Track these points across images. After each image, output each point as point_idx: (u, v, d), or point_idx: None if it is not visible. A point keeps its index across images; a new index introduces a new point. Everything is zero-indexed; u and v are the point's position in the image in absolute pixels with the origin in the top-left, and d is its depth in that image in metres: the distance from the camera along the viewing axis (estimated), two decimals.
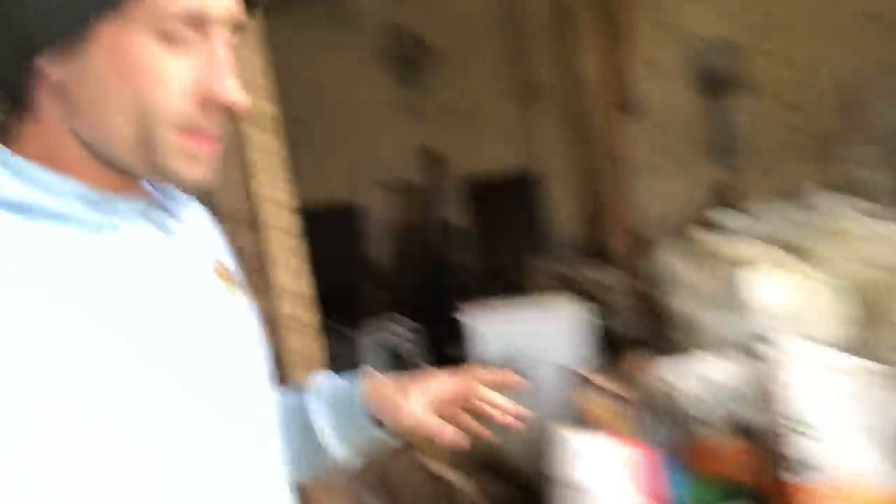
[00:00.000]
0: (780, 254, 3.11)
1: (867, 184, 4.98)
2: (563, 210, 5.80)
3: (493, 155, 5.85)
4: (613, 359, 3.06)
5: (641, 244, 4.77)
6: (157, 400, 0.61)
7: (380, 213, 5.59)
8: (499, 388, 0.90)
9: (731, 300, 2.87)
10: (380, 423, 0.87)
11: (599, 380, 2.56)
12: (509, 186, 5.79)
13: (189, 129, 0.63)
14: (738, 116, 5.44)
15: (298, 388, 0.93)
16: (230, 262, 0.79)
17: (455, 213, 6.09)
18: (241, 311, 0.76)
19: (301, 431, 0.88)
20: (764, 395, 2.08)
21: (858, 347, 2.88)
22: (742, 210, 5.03)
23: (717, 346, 2.71)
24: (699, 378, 2.35)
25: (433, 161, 6.15)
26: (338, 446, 0.87)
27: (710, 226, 5.03)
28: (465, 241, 5.96)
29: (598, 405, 2.30)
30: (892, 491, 1.89)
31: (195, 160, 0.65)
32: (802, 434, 1.98)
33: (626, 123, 5.44)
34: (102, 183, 0.65)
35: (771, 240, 4.15)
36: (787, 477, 1.97)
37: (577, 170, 5.68)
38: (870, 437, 1.96)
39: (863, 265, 3.01)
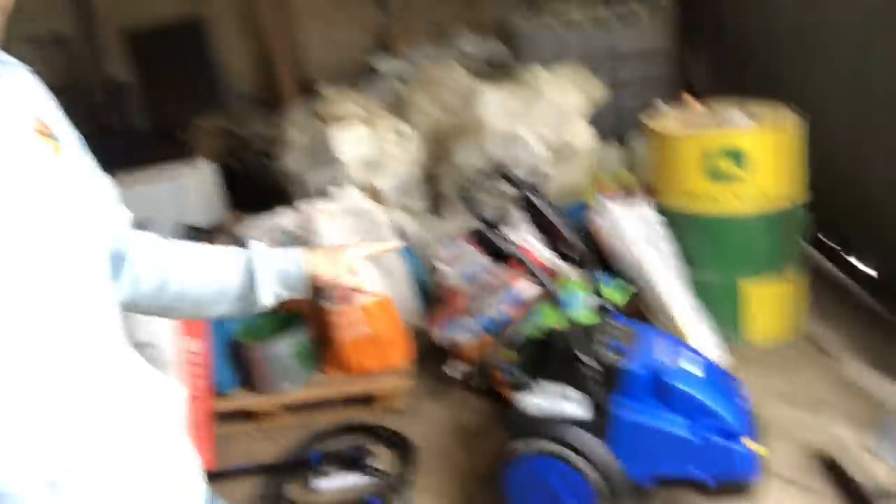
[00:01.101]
0: (375, 108, 3.49)
1: (508, 25, 5.56)
2: (233, 58, 5.71)
3: (155, 2, 5.50)
4: (231, 216, 3.36)
5: (307, 90, 4.92)
6: None
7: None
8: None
9: (325, 155, 3.25)
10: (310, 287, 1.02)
11: (208, 237, 2.87)
12: (176, 36, 5.52)
13: None
14: None
15: (232, 247, 1.03)
16: (55, 121, 0.80)
17: (117, 67, 5.80)
18: (62, 165, 0.76)
19: (236, 276, 0.98)
20: (308, 238, 2.54)
21: (426, 184, 3.47)
22: (396, 54, 5.39)
23: (316, 197, 3.08)
24: (275, 228, 2.74)
25: (87, 9, 5.60)
26: (269, 294, 0.98)
27: (370, 70, 5.35)
28: (131, 98, 5.70)
29: None
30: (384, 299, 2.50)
31: None
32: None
33: None
34: None
35: (399, 84, 4.53)
36: (324, 304, 2.50)
37: (244, 15, 5.56)
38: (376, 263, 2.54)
39: (439, 111, 3.48)
